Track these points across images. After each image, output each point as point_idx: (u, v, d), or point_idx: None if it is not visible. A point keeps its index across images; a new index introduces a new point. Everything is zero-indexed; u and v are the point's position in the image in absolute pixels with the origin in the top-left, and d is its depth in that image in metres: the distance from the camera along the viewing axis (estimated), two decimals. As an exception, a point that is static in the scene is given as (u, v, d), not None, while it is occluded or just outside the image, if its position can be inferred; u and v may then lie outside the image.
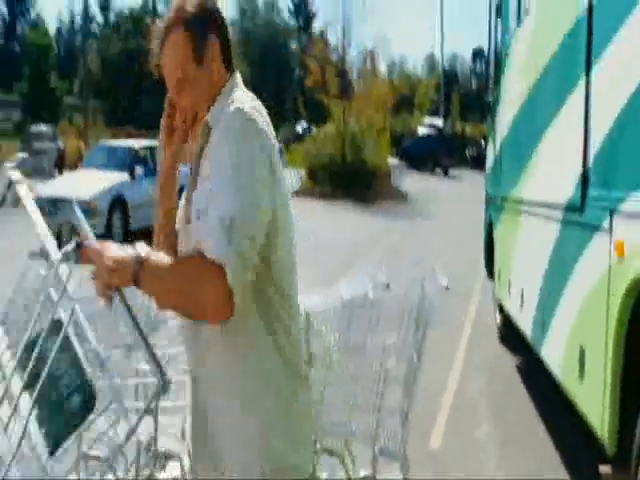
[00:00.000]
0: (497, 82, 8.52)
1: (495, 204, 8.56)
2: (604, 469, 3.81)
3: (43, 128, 31.30)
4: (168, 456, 4.09)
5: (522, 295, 6.51)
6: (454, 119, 47.66)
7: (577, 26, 4.62)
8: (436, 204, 24.41)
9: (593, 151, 4.11)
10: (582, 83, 4.34)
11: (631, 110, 3.54)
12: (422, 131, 40.18)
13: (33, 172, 22.56)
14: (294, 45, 74.08)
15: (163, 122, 2.24)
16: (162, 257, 1.97)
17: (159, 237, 2.32)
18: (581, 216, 4.34)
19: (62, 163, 26.35)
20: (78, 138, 32.29)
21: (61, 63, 59.22)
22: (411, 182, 29.94)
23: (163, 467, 4.31)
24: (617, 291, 3.56)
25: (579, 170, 4.31)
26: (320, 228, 18.64)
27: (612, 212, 3.71)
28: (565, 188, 4.63)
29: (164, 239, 2.30)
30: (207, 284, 1.84)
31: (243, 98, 2.08)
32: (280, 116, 45.69)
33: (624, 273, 3.46)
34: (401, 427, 3.77)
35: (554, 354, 5.20)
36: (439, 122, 43.42)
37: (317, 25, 72.64)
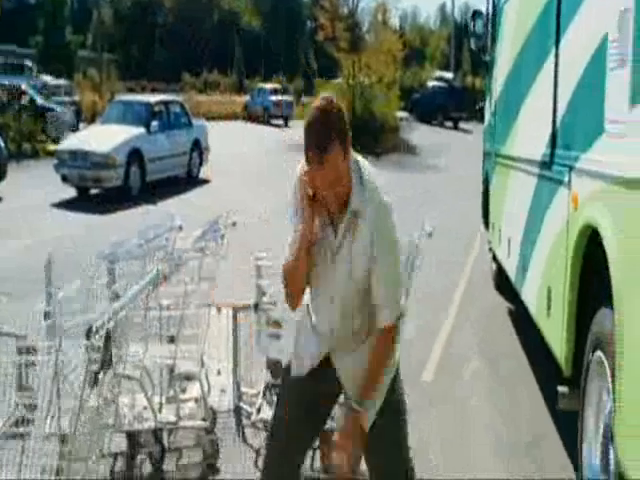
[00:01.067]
0: (493, 42, 8.90)
1: (490, 159, 9.11)
2: (562, 389, 4.39)
3: (60, 82, 31.93)
4: (188, 377, 4.73)
5: (509, 244, 7.10)
6: (465, 72, 47.65)
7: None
8: (445, 157, 24.67)
9: (559, 115, 4.68)
10: (553, 52, 4.88)
11: (585, 81, 4.09)
12: (432, 84, 40.18)
13: (52, 126, 23.09)
14: (306, -3, 73.71)
15: (307, 201, 2.75)
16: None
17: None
18: (550, 172, 4.93)
19: (79, 117, 26.85)
20: (93, 92, 32.73)
21: (75, 17, 59.27)
22: (420, 135, 30.13)
23: (183, 390, 4.97)
24: (573, 236, 4.14)
25: (549, 131, 4.88)
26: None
27: (571, 169, 4.28)
28: (540, 147, 5.20)
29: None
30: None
31: (374, 179, 2.81)
32: (291, 68, 45.84)
33: (577, 220, 4.04)
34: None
35: (530, 295, 5.82)
36: (449, 75, 43.46)
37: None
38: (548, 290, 4.91)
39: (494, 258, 8.88)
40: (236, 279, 4.82)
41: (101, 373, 2.74)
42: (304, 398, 2.94)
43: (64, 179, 15.35)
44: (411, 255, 4.40)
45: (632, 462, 3.02)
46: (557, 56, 4.79)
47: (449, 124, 37.73)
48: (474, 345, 7.24)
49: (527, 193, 5.91)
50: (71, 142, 16.45)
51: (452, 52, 45.26)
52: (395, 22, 49.89)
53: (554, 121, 4.79)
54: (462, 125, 37.39)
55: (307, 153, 2.65)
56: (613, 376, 3.32)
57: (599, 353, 3.61)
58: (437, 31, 53.60)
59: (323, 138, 2.61)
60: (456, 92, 39.55)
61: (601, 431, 3.66)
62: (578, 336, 4.23)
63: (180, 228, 5.15)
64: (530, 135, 5.96)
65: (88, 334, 2.60)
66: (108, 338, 2.71)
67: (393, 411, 2.95)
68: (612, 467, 3.41)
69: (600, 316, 3.63)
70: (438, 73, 42.37)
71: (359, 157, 2.82)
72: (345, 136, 2.67)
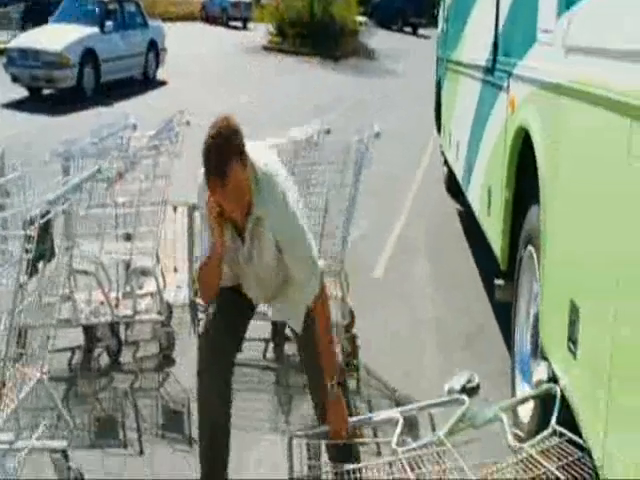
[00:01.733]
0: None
1: (442, 65, 9.24)
2: (498, 281, 4.68)
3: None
4: (144, 272, 4.92)
5: (457, 146, 7.32)
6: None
7: None
8: (403, 62, 24.62)
9: (501, 23, 4.86)
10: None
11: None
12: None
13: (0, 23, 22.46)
14: None
15: (215, 219, 2.87)
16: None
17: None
18: (492, 77, 5.12)
19: (28, 15, 26.01)
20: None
21: None
22: (379, 40, 29.92)
23: (140, 286, 5.16)
24: (509, 138, 4.36)
25: (492, 39, 5.05)
26: (288, 85, 19.11)
27: (509, 75, 4.48)
28: (484, 53, 5.38)
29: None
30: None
31: (265, 169, 2.93)
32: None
33: (514, 123, 4.26)
34: (341, 249, 4.61)
35: (473, 195, 6.10)
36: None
37: None
38: (489, 190, 5.16)
39: (446, 162, 9.12)
40: (190, 178, 4.94)
41: (41, 263, 2.78)
42: (233, 297, 3.23)
43: (14, 79, 15.10)
44: (359, 154, 4.61)
45: (551, 341, 3.30)
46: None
47: (408, 29, 37.24)
48: (422, 243, 7.56)
49: (472, 98, 6.10)
50: (22, 40, 16.12)
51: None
52: None
53: (496, 29, 4.97)
54: (421, 31, 36.96)
55: (208, 179, 2.78)
56: (540, 267, 3.58)
57: (530, 247, 3.85)
58: None
59: (221, 164, 2.72)
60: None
61: (531, 319, 3.92)
62: (513, 232, 4.47)
63: (134, 127, 5.25)
64: (476, 42, 6.12)
65: (23, 225, 2.65)
66: (46, 229, 2.75)
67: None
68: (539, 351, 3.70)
69: (531, 213, 3.85)
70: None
71: (251, 148, 2.89)
72: (241, 151, 2.79)
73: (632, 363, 2.29)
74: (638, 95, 2.25)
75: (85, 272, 4.60)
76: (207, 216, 2.92)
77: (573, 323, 2.86)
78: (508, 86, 4.52)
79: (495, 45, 5.01)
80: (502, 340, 5.04)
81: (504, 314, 4.69)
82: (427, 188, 9.75)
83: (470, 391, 2.69)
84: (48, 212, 2.74)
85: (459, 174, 7.20)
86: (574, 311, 2.85)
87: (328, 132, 4.94)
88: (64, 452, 3.05)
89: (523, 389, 3.92)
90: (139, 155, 4.72)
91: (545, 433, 2.55)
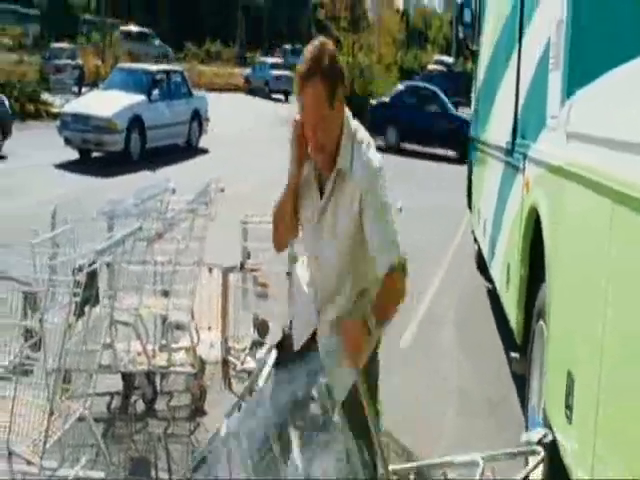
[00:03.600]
0: (478, 32, 9.31)
1: (473, 144, 9.60)
2: (514, 354, 4.88)
3: (64, 45, 32.20)
4: (179, 327, 5.20)
5: (484, 224, 7.59)
6: (466, 57, 47.64)
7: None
8: None
9: (520, 106, 5.19)
10: (517, 48, 5.36)
11: (536, 78, 4.57)
12: (432, 67, 40.21)
13: (55, 88, 23.41)
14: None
15: (296, 145, 2.85)
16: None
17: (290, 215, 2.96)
18: (512, 158, 5.44)
19: (82, 81, 27.10)
20: (96, 56, 32.92)
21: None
22: None
23: (176, 341, 5.39)
24: (524, 218, 4.63)
25: (512, 121, 5.39)
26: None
27: (525, 157, 4.79)
28: (505, 135, 5.72)
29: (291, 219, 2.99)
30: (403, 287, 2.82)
31: (367, 139, 2.86)
32: (293, 44, 45.85)
33: (527, 203, 4.55)
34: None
35: (495, 271, 6.34)
36: (450, 60, 43.55)
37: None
38: (508, 266, 5.41)
39: (476, 240, 9.33)
40: (224, 241, 5.25)
41: (87, 307, 3.02)
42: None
43: (67, 141, 15.73)
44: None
45: (552, 408, 3.50)
46: (520, 52, 5.27)
47: (448, 107, 37.63)
48: (451, 317, 7.72)
49: (496, 177, 6.42)
50: (74, 105, 16.84)
51: (454, 36, 45.36)
52: (399, 3, 49.70)
53: (515, 112, 5.30)
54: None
55: (306, 75, 2.70)
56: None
57: (541, 322, 4.04)
58: (441, 14, 53.53)
59: (307, 66, 2.70)
60: (456, 77, 39.52)
61: (542, 390, 4.06)
62: (528, 308, 4.65)
63: (173, 191, 5.59)
64: (499, 124, 6.47)
65: (73, 271, 2.93)
66: (92, 277, 3.00)
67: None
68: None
69: (543, 290, 4.03)
70: (439, 57, 42.35)
71: (354, 120, 2.88)
72: (334, 79, 2.73)
73: (619, 429, 2.49)
74: (619, 180, 2.53)
75: (125, 323, 4.86)
76: (290, 144, 2.86)
77: (570, 391, 3.05)
78: (524, 167, 4.83)
79: (514, 127, 5.34)
80: (522, 410, 5.12)
81: (524, 385, 4.82)
82: (458, 265, 9.86)
83: (545, 445, 2.90)
84: (94, 262, 3.06)
85: (485, 251, 7.43)
86: (570, 381, 3.05)
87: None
88: (102, 484, 3.29)
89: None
90: (177, 217, 5.03)
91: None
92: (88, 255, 3.03)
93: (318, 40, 2.80)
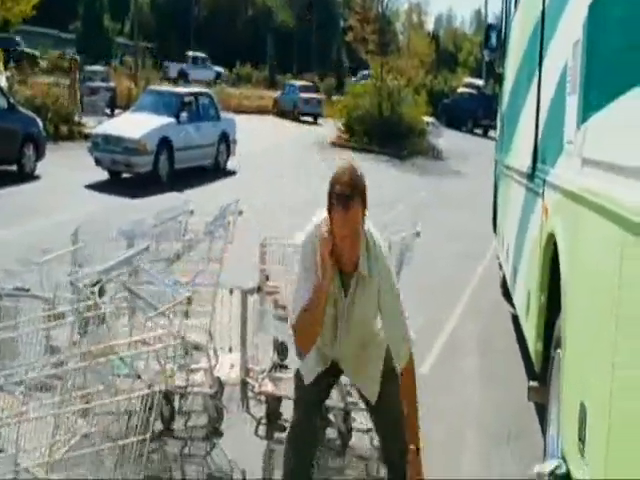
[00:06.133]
0: (504, 55, 9.26)
1: (498, 168, 9.56)
2: (532, 384, 4.79)
3: (97, 68, 32.75)
4: (197, 347, 5.21)
5: (507, 249, 7.53)
6: (495, 80, 47.41)
7: (538, 19, 5.47)
8: (471, 164, 24.30)
9: (540, 131, 5.15)
10: (537, 73, 5.33)
11: (555, 103, 4.54)
12: (462, 90, 39.93)
13: (87, 110, 23.74)
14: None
15: (326, 260, 3.21)
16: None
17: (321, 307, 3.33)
18: (532, 183, 5.40)
19: (114, 103, 27.47)
20: (129, 79, 33.36)
21: (113, 4, 59.87)
22: (448, 141, 29.74)
23: (196, 361, 5.39)
24: (543, 244, 4.57)
25: (532, 146, 5.35)
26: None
27: (544, 182, 4.75)
28: (526, 160, 5.68)
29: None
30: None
31: (379, 241, 3.37)
32: (322, 66, 46.13)
33: (546, 229, 4.49)
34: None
35: (517, 298, 6.27)
36: (481, 82, 43.32)
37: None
38: (528, 293, 5.34)
39: (501, 266, 9.22)
40: (242, 263, 5.27)
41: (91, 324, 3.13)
42: (313, 396, 3.62)
43: (97, 162, 15.99)
44: (401, 252, 4.90)
45: (566, 440, 3.44)
46: (540, 76, 5.23)
47: (478, 131, 37.21)
48: (474, 343, 7.64)
49: (518, 202, 6.37)
50: (105, 127, 17.11)
51: (484, 59, 45.10)
52: (429, 25, 49.70)
53: (536, 136, 5.26)
54: (492, 133, 37.06)
55: (332, 201, 3.15)
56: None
57: (559, 351, 3.94)
58: (472, 36, 53.43)
59: (350, 189, 3.13)
60: (486, 99, 39.32)
61: (560, 420, 3.98)
62: (547, 335, 4.57)
63: (191, 212, 5.65)
64: (521, 148, 6.43)
65: (73, 290, 3.02)
66: (100, 294, 3.09)
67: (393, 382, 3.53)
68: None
69: (560, 317, 3.96)
70: (469, 79, 42.12)
71: (369, 223, 3.35)
72: (364, 198, 3.20)
73: (630, 465, 2.43)
74: (629, 208, 2.50)
75: (143, 342, 4.91)
76: (319, 254, 3.21)
77: (582, 423, 3.00)
78: (543, 193, 4.78)
79: (535, 152, 5.30)
80: (542, 441, 5.03)
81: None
82: (482, 291, 9.76)
83: (557, 476, 2.87)
84: (100, 280, 3.10)
85: (507, 276, 7.37)
86: (583, 412, 3.00)
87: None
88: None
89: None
90: (195, 239, 5.08)
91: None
92: (92, 274, 3.07)
93: (348, 164, 3.25)
